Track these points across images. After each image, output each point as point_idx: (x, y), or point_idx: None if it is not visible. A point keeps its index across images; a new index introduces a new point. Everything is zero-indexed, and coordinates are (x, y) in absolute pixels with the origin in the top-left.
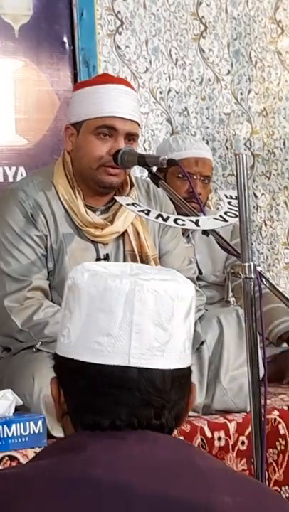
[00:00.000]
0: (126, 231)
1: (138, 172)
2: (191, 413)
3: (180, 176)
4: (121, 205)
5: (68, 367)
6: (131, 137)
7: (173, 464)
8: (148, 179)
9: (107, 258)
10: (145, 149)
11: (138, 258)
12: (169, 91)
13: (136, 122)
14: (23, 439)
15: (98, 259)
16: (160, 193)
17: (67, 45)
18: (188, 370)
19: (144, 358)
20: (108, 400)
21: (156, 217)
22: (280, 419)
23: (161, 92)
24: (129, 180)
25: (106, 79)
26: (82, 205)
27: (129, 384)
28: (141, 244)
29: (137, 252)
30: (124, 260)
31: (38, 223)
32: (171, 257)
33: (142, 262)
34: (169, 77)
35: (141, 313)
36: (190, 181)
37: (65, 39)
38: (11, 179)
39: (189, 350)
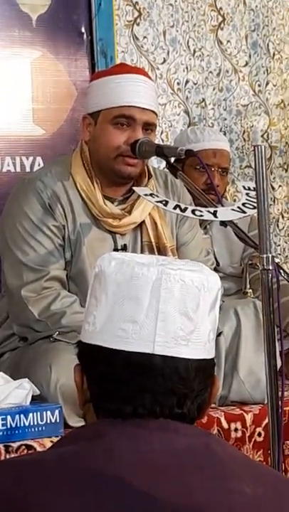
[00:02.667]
0: (144, 222)
1: (156, 163)
2: None
3: (198, 167)
4: (139, 196)
5: (92, 353)
6: (149, 127)
7: (192, 454)
8: (166, 170)
9: (124, 248)
10: (162, 140)
11: (155, 249)
12: (187, 82)
13: (154, 112)
14: (40, 428)
15: (116, 249)
16: (178, 184)
17: (85, 36)
18: (212, 361)
19: (168, 346)
20: (131, 387)
21: (174, 208)
22: None
23: (178, 83)
24: (147, 171)
25: (124, 69)
26: (100, 195)
27: (153, 371)
28: (158, 235)
29: (154, 243)
30: (142, 251)
31: (56, 213)
32: (188, 249)
33: (159, 252)
34: (187, 68)
35: (167, 301)
36: (208, 172)
37: (83, 29)
38: (28, 169)
39: (213, 342)
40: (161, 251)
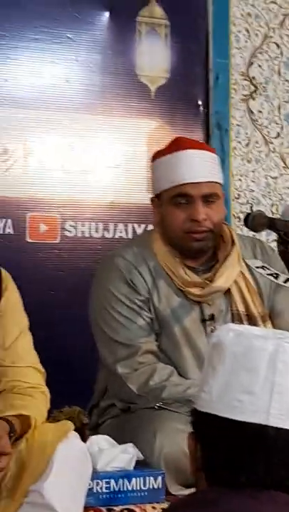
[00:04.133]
0: (231, 291)
1: (264, 235)
2: None
3: None
4: (222, 264)
5: (207, 422)
6: (210, 199)
7: None
8: (256, 238)
9: (212, 318)
10: (272, 213)
11: (243, 318)
12: None
13: (214, 182)
14: (142, 494)
15: (203, 319)
16: (268, 251)
17: (201, 108)
18: None
19: (283, 418)
20: (244, 457)
21: (285, 282)
22: None
23: None
24: (230, 238)
25: (177, 146)
26: (181, 265)
27: (266, 442)
28: (246, 303)
29: (241, 312)
30: (232, 320)
31: (139, 287)
32: (284, 317)
33: (249, 322)
34: None
35: (283, 374)
36: None
37: (200, 102)
38: None
39: None
40: (251, 320)
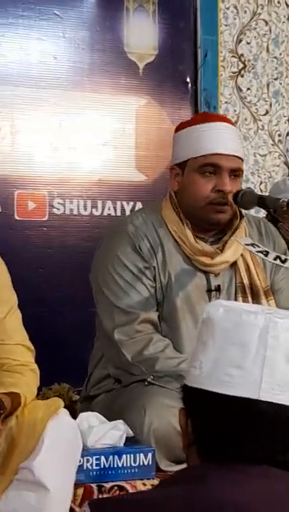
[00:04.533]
0: (237, 263)
1: (253, 213)
2: None
3: None
4: (230, 236)
5: (198, 397)
6: (235, 173)
7: None
8: (259, 217)
9: (218, 289)
10: (261, 190)
11: (248, 290)
12: (288, 134)
13: (239, 158)
14: (133, 470)
15: (209, 289)
16: (272, 230)
17: (189, 85)
18: None
19: (273, 393)
20: (235, 432)
21: (275, 259)
22: None
23: (279, 135)
24: (239, 213)
25: (206, 118)
26: (191, 233)
27: (257, 417)
28: (251, 276)
29: (246, 284)
30: (236, 292)
31: (146, 254)
32: (282, 296)
33: (253, 294)
34: None
35: (274, 348)
36: None
37: (188, 79)
38: (128, 213)
39: None
40: (254, 293)
